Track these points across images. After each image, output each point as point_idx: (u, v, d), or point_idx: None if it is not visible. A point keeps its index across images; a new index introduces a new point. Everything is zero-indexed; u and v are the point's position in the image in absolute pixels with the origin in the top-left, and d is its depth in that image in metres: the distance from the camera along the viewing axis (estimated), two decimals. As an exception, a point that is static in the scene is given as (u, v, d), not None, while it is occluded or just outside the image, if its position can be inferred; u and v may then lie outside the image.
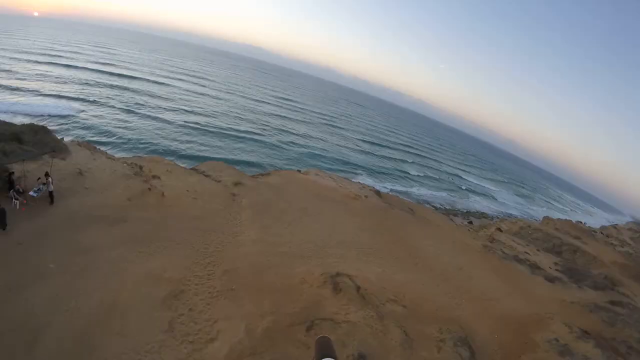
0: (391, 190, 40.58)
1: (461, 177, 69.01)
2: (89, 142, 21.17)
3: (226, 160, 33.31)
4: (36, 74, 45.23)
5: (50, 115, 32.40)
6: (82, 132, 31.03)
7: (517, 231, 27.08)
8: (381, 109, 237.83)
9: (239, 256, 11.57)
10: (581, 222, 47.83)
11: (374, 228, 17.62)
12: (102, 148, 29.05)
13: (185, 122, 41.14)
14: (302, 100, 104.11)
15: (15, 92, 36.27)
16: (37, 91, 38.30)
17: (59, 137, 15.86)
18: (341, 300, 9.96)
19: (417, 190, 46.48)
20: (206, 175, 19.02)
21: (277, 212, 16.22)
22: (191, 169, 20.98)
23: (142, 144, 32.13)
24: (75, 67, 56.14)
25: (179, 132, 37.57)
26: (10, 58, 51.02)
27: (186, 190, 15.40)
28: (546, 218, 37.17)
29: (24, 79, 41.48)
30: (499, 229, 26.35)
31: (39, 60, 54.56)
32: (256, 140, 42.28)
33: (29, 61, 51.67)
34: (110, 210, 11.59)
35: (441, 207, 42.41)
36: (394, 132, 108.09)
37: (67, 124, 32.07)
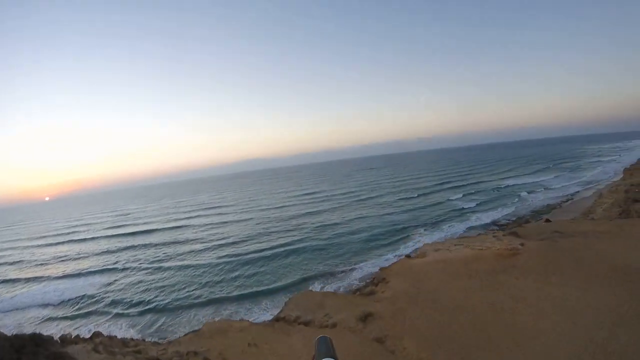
0: (454, 232, 36.71)
1: (506, 185, 64.07)
2: (119, 318, 19.07)
3: (279, 285, 27.46)
4: (51, 257, 44.63)
5: (69, 300, 29.57)
6: (107, 309, 26.88)
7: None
8: (391, 162, 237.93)
9: None
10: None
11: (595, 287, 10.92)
12: (136, 321, 24.18)
13: (219, 257, 36.88)
14: (319, 188, 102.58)
15: (29, 282, 35.15)
16: (48, 277, 36.45)
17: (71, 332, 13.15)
18: None
19: (478, 221, 41.36)
20: (304, 324, 13.62)
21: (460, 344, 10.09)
22: (275, 319, 15.45)
23: (182, 299, 27.02)
24: (92, 239, 55.96)
25: (218, 270, 32.82)
26: (24, 247, 52.57)
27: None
28: (627, 170, 31.32)
29: (39, 265, 40.48)
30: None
31: (52, 242, 55.08)
32: (300, 248, 37.04)
33: (42, 245, 52.37)
34: None
35: (508, 221, 39.34)
36: (417, 177, 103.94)
37: (89, 302, 28.85)
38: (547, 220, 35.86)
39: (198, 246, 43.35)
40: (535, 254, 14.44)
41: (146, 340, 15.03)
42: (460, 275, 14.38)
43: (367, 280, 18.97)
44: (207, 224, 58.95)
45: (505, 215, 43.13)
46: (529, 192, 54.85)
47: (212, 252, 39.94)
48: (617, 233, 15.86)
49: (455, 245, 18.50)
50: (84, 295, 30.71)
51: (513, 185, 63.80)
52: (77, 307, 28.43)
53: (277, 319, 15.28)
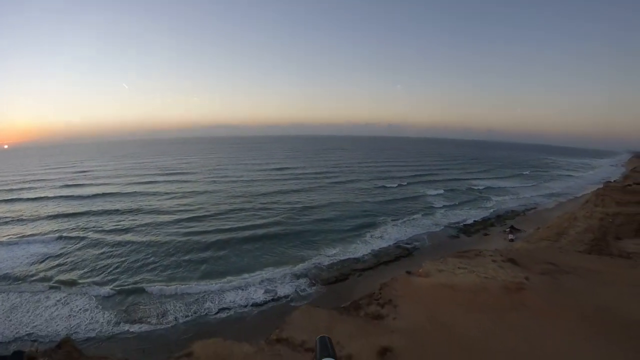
0: (422, 231, 37.66)
1: (479, 187, 66.23)
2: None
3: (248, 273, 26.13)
4: None
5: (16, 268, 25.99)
6: (64, 279, 24.09)
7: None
8: (363, 146, 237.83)
9: None
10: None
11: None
12: (102, 302, 22.31)
13: (182, 234, 34.40)
14: (290, 164, 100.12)
15: None
16: None
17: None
18: None
19: (446, 219, 42.70)
20: (312, 350, 11.91)
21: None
22: (276, 339, 13.88)
23: (144, 276, 25.17)
24: (45, 198, 50.92)
25: (181, 248, 30.78)
26: None
27: None
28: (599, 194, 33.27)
29: None
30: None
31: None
32: (270, 232, 35.49)
33: None
34: None
35: (476, 221, 41.81)
36: (393, 165, 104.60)
37: (41, 272, 25.92)
38: (513, 227, 37.77)
39: (159, 218, 40.40)
40: (541, 293, 14.12)
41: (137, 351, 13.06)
42: (471, 308, 13.69)
43: (366, 295, 17.97)
44: (170, 193, 55.41)
45: (473, 215, 44.48)
46: (497, 196, 57.18)
47: (175, 226, 37.35)
48: (611, 274, 15.94)
49: (457, 267, 17.89)
50: (36, 263, 27.71)
51: (485, 188, 65.78)
52: (29, 278, 25.14)
53: (278, 340, 13.89)
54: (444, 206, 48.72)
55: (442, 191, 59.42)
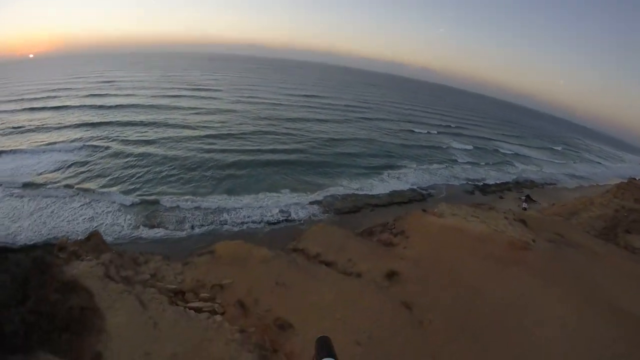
0: (440, 181, 38.18)
1: (502, 149, 63.80)
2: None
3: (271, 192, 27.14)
4: (22, 126, 39.03)
5: (45, 172, 27.19)
6: (89, 187, 25.39)
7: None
8: (395, 86, 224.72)
9: None
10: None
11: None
12: (126, 209, 23.36)
13: (209, 150, 35.24)
14: (319, 92, 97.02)
15: None
16: (16, 149, 31.77)
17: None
18: None
19: (465, 174, 42.52)
20: (326, 264, 13.05)
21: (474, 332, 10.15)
22: (292, 249, 14.85)
23: (166, 187, 26.74)
24: (70, 107, 50.11)
25: (205, 166, 31.68)
26: None
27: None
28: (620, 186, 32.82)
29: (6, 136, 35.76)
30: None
31: (25, 107, 48.39)
32: (293, 159, 36.03)
33: (13, 111, 45.95)
34: None
35: (495, 183, 41.52)
36: (422, 110, 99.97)
37: (65, 179, 26.51)
38: (528, 197, 37.75)
39: (183, 132, 40.90)
40: (543, 256, 14.63)
41: (154, 254, 13.95)
42: (476, 253, 14.46)
43: (380, 224, 18.83)
44: (195, 108, 55.27)
45: (493, 177, 44.08)
46: (521, 164, 55.47)
47: (198, 142, 37.88)
48: (612, 261, 16.18)
49: (471, 215, 18.39)
50: (61, 169, 28.22)
51: (512, 153, 62.94)
52: (54, 184, 25.62)
53: (294, 250, 14.90)
54: (468, 162, 48.01)
55: (469, 147, 58.02)
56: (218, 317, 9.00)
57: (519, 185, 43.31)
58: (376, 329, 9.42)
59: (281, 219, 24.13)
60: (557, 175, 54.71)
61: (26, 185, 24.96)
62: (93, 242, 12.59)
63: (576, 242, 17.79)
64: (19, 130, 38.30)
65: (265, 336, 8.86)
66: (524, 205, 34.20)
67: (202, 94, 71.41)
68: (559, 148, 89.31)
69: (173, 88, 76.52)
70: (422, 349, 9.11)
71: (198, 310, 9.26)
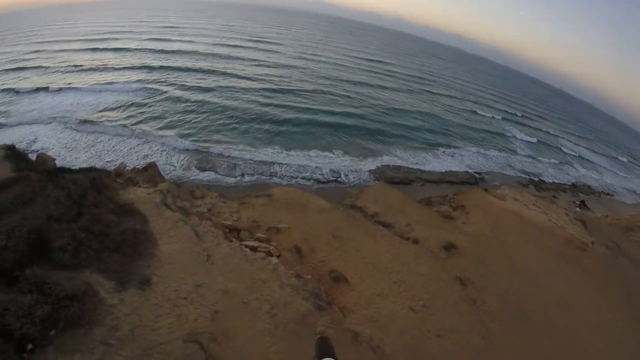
0: (496, 168, 37.08)
1: (565, 148, 59.25)
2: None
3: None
4: (83, 65, 40.68)
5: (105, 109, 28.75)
6: (149, 126, 26.87)
7: None
8: (466, 63, 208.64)
9: None
10: None
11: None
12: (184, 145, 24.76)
13: (266, 104, 35.68)
14: (383, 58, 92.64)
15: (60, 91, 32.19)
16: (79, 88, 33.50)
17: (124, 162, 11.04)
18: None
19: (521, 166, 40.78)
20: (384, 225, 12.89)
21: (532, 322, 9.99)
22: (350, 206, 14.59)
23: (224, 134, 27.91)
24: (131, 49, 51.34)
25: (260, 119, 32.22)
26: (53, 50, 47.78)
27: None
28: None
29: (68, 73, 37.77)
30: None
31: (87, 47, 50.26)
32: (350, 124, 35.84)
33: (75, 50, 48.18)
34: None
35: (551, 182, 39.60)
36: (491, 93, 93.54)
37: (122, 118, 27.88)
38: (583, 203, 35.67)
39: (241, 83, 41.32)
40: (599, 261, 14.29)
41: (211, 189, 14.51)
42: (533, 242, 14.26)
43: (439, 195, 19.19)
44: (255, 60, 55.52)
45: (551, 174, 42.01)
46: (583, 168, 51.47)
47: (256, 94, 38.37)
48: None
49: (532, 204, 18.20)
50: (118, 108, 29.47)
51: (575, 155, 57.83)
52: (111, 122, 26.96)
53: (352, 206, 14.84)
54: (528, 155, 45.57)
55: (533, 140, 54.51)
56: (274, 259, 8.72)
57: (575, 188, 40.90)
58: (431, 298, 9.29)
59: (331, 179, 24.68)
60: (616, 187, 50.55)
61: (84, 122, 26.15)
62: (150, 172, 13.00)
63: (633, 256, 17.29)
64: (80, 68, 40.17)
65: (321, 286, 8.59)
66: (577, 210, 32.76)
67: (264, 46, 71.14)
68: (624, 159, 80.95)
69: (235, 38, 76.53)
70: (475, 327, 8.94)
71: (253, 249, 9.00)
